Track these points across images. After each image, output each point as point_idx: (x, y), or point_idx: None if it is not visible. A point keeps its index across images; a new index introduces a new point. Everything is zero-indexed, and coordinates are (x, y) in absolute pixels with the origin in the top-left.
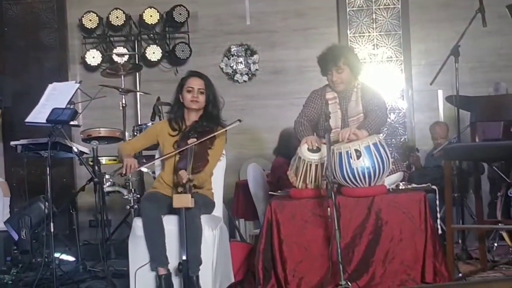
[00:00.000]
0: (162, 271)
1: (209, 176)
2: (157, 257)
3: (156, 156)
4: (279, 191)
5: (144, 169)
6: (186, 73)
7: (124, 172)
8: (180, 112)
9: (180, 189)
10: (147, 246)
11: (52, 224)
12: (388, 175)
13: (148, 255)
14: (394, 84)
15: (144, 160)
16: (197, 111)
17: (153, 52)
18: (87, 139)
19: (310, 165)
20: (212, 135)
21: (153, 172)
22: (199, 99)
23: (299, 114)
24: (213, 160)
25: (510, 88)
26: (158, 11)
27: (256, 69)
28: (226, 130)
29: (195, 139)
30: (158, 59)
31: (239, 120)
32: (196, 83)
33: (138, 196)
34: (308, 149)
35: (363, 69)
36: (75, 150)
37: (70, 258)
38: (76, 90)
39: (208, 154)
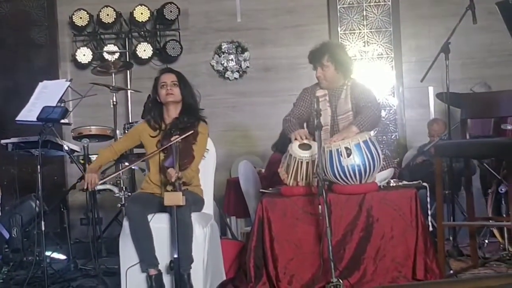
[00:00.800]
0: (152, 272)
1: (196, 172)
2: (147, 259)
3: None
4: (270, 189)
5: (123, 178)
6: (158, 72)
7: (85, 188)
8: (158, 111)
9: (169, 188)
10: (136, 248)
11: (43, 222)
12: (379, 172)
13: (138, 256)
14: (384, 81)
15: (127, 163)
16: (175, 106)
17: (144, 50)
18: (78, 137)
19: (301, 162)
20: (189, 133)
21: (144, 170)
22: (173, 91)
23: (289, 113)
24: (198, 156)
25: (503, 84)
26: (148, 9)
27: (247, 66)
28: (207, 124)
29: (178, 136)
30: (149, 57)
31: (204, 121)
32: (168, 78)
33: (129, 194)
34: (299, 147)
35: (353, 68)
36: (66, 148)
37: (61, 257)
38: (67, 88)
39: (193, 150)
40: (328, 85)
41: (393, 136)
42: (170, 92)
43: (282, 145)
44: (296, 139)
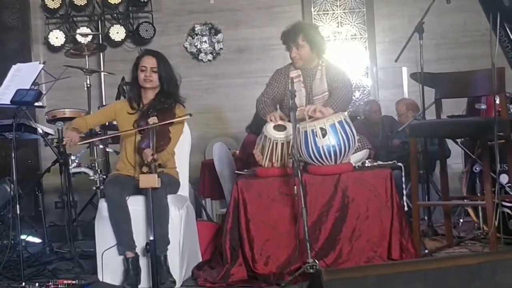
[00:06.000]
0: (129, 255)
1: (172, 154)
2: (124, 241)
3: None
4: (245, 170)
5: (112, 143)
6: (141, 52)
7: (64, 144)
8: (137, 91)
9: (145, 169)
10: (113, 230)
11: (18, 206)
12: (354, 153)
13: (115, 239)
14: (358, 62)
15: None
16: (153, 89)
17: (117, 32)
18: (52, 120)
19: (276, 143)
20: (169, 121)
21: (118, 152)
22: (152, 78)
23: (262, 93)
24: (175, 138)
25: (476, 64)
26: None
27: (221, 48)
28: (185, 108)
29: (155, 117)
30: (122, 39)
31: (190, 114)
32: (148, 62)
33: (104, 176)
34: (274, 128)
35: (326, 48)
36: (40, 131)
37: (37, 240)
38: (40, 71)
39: (170, 132)
40: (303, 65)
41: None
42: (149, 78)
43: (256, 126)
44: (271, 120)
